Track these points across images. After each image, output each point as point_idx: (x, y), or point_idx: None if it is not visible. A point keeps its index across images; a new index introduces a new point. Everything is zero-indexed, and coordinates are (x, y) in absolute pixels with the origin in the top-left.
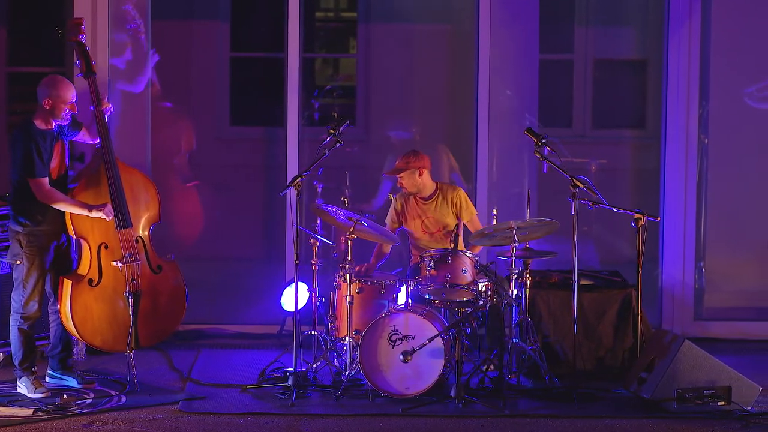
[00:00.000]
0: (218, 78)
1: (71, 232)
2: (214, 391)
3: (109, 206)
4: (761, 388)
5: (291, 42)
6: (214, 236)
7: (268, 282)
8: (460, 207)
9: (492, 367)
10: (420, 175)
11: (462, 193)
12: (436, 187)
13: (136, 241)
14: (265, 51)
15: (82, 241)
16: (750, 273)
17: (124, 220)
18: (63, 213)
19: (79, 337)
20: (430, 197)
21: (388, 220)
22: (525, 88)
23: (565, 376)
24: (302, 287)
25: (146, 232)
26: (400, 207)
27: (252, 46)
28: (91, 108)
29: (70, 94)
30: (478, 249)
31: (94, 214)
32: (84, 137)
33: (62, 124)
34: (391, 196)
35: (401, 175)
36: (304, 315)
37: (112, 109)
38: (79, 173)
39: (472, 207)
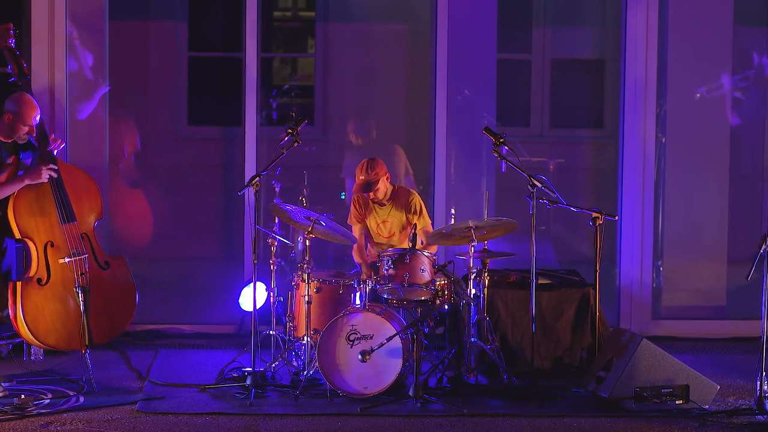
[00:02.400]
0: (176, 77)
1: (16, 233)
2: (172, 391)
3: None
4: (718, 387)
5: (249, 41)
6: (171, 236)
7: (227, 282)
8: (415, 212)
9: (450, 366)
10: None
11: (418, 199)
12: (393, 190)
13: (82, 237)
14: (223, 51)
15: (27, 241)
16: (708, 272)
17: (67, 214)
18: (5, 216)
19: (32, 339)
20: (384, 202)
21: (351, 217)
22: (483, 88)
23: (523, 374)
24: (260, 287)
25: (91, 229)
26: (358, 204)
27: (210, 46)
28: (35, 144)
29: (32, 116)
30: (435, 248)
31: (36, 179)
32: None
33: (19, 142)
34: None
35: (376, 188)
36: (262, 315)
37: (63, 145)
38: (21, 176)
39: (427, 216)
